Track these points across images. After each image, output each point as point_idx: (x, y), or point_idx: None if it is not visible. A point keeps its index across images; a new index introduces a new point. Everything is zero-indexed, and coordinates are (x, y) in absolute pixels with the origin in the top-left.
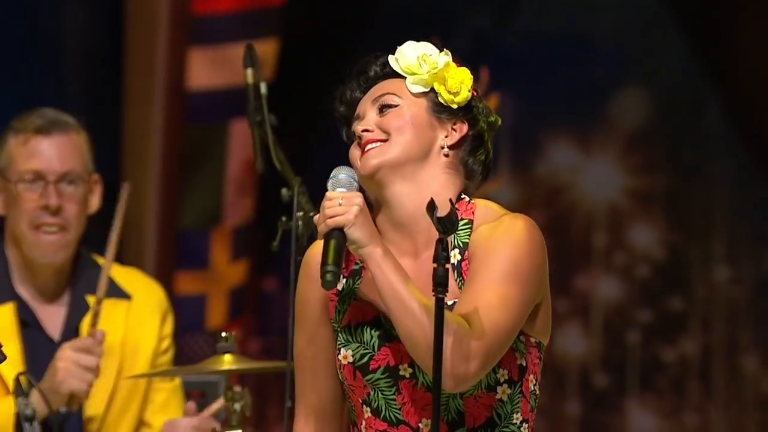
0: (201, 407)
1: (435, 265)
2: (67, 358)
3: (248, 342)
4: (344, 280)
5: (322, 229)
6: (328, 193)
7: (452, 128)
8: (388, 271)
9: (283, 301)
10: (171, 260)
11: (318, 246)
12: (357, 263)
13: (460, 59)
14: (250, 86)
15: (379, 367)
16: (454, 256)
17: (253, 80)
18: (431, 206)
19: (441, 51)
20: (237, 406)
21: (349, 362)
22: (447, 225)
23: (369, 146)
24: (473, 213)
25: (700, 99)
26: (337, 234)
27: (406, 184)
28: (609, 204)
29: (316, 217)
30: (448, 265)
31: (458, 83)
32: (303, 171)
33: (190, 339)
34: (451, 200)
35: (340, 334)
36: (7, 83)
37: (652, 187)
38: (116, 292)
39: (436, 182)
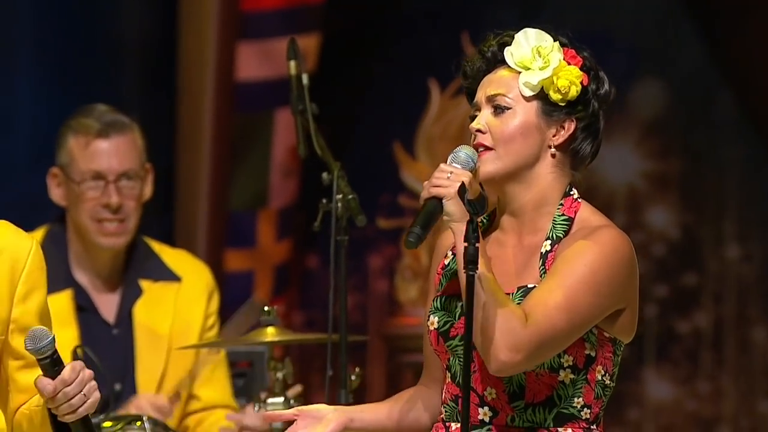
0: (248, 377)
1: (465, 244)
2: (140, 408)
3: (292, 315)
4: (452, 256)
5: (424, 194)
6: (441, 165)
7: (560, 126)
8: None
9: (323, 277)
10: (221, 239)
11: (449, 234)
12: None
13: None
14: (293, 78)
15: (457, 334)
16: (545, 246)
17: (296, 72)
18: (462, 190)
19: (555, 41)
20: (279, 375)
21: (434, 328)
22: (476, 207)
23: (481, 149)
24: (575, 212)
25: (712, 88)
26: (435, 203)
27: (515, 184)
28: (628, 187)
29: (425, 183)
30: (479, 243)
31: (568, 83)
32: (342, 156)
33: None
34: (481, 184)
35: (434, 302)
36: (70, 77)
37: (667, 171)
38: (166, 274)
39: (544, 181)
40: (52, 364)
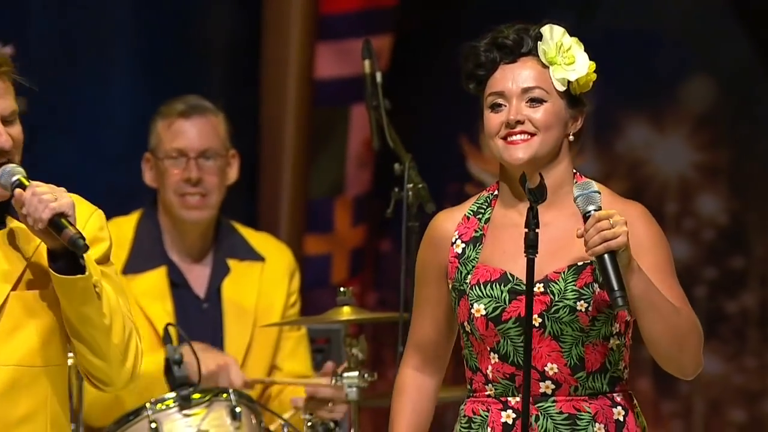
0: (325, 353)
1: (526, 230)
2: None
3: (366, 295)
4: (463, 245)
5: (599, 250)
6: (597, 214)
7: (575, 117)
8: (649, 282)
9: (395, 260)
10: (301, 225)
11: (443, 218)
12: (476, 231)
13: None
14: (367, 75)
15: (510, 317)
16: None
17: (370, 70)
18: (522, 179)
19: (571, 36)
20: (354, 351)
21: (482, 315)
22: (537, 195)
23: (518, 137)
24: None
25: (758, 84)
26: (611, 256)
27: (541, 170)
28: (679, 176)
29: (589, 234)
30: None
31: (588, 79)
32: (412, 148)
33: (317, 293)
34: (540, 174)
35: (470, 292)
36: (162, 73)
37: (716, 162)
38: (251, 255)
39: (562, 165)
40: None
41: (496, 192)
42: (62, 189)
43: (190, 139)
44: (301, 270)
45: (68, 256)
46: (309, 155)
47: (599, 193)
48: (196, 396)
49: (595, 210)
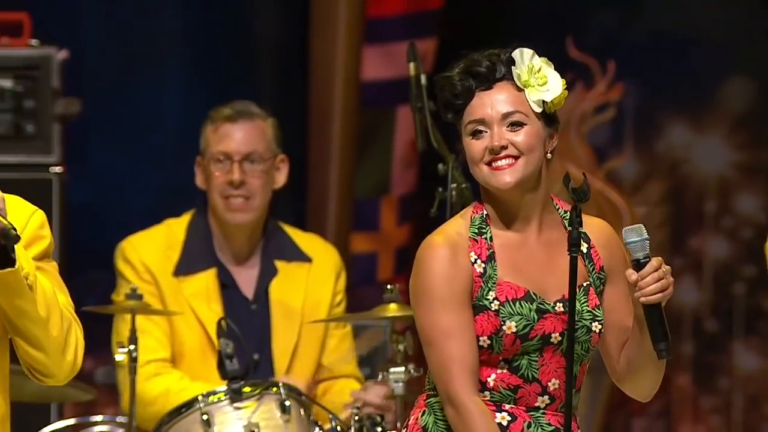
0: (372, 349)
1: (569, 228)
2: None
3: None
4: (483, 264)
5: (655, 299)
6: (655, 262)
7: (552, 135)
8: None
9: None
10: (348, 224)
11: (455, 240)
12: (488, 249)
13: (589, 54)
14: (412, 78)
15: (536, 335)
16: (581, 245)
17: (415, 73)
18: (566, 179)
19: (540, 57)
20: (401, 346)
21: (512, 332)
22: (580, 194)
23: (503, 162)
24: (564, 208)
25: None
26: (658, 305)
27: (530, 191)
28: (718, 176)
29: (646, 281)
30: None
31: (562, 99)
32: (456, 149)
33: (363, 290)
34: (584, 173)
35: (501, 308)
36: (213, 76)
37: (756, 161)
38: (299, 256)
39: (544, 184)
40: None
41: (485, 212)
42: None
43: (236, 142)
44: (348, 268)
45: (0, 251)
46: (356, 156)
47: (642, 233)
48: (247, 389)
49: (644, 257)
